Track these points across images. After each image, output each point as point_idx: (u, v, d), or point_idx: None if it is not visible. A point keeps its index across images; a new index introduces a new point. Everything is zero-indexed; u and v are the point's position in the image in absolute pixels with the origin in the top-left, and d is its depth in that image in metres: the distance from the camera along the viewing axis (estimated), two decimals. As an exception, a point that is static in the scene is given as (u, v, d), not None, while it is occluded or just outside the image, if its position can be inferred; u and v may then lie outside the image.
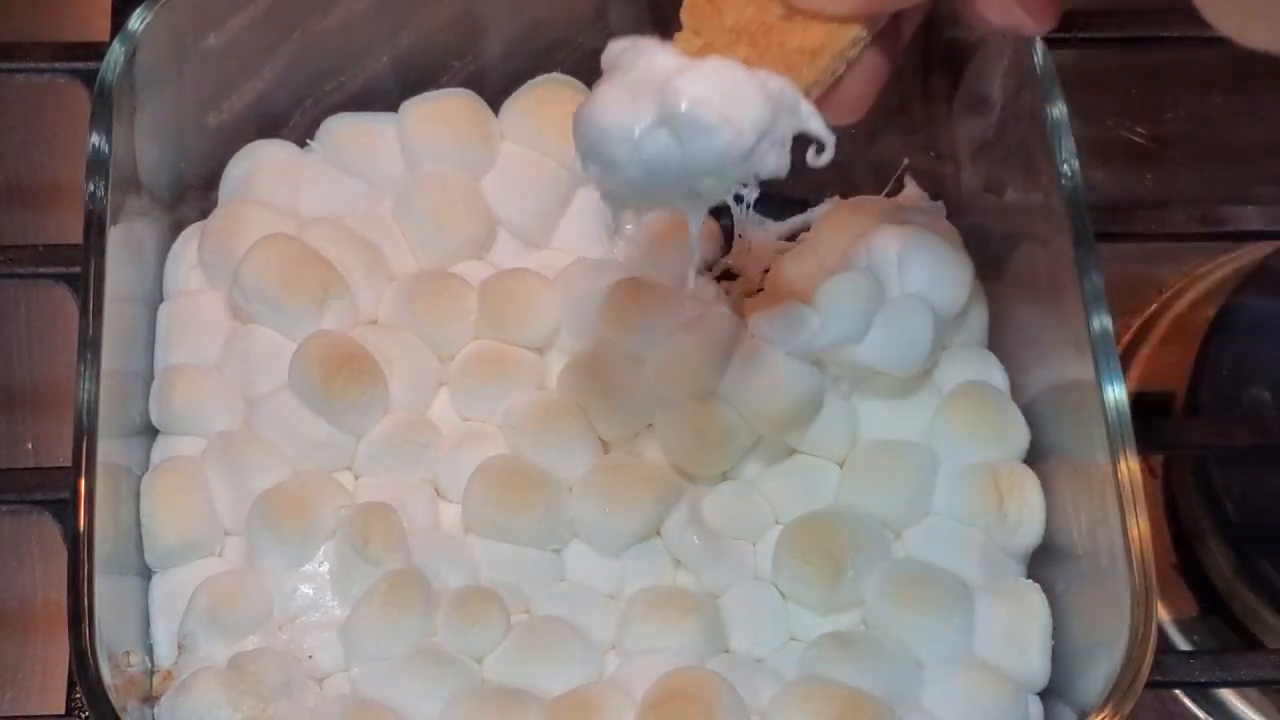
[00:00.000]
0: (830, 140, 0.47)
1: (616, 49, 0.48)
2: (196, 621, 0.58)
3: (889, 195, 0.69)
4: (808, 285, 0.61)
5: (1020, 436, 0.62)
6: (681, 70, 0.46)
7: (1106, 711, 0.53)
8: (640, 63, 0.47)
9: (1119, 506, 0.56)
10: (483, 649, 0.58)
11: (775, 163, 0.47)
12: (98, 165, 0.60)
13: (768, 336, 0.60)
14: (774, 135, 0.47)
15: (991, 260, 0.66)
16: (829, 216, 0.67)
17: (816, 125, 0.48)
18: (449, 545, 0.60)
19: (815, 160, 0.48)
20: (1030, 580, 0.61)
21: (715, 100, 0.46)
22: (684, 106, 0.45)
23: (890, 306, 0.60)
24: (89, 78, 0.66)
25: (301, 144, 0.68)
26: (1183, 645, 0.69)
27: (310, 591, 0.59)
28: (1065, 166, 0.60)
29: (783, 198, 0.70)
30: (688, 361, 0.60)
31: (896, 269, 0.61)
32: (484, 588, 0.59)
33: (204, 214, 0.67)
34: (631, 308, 0.61)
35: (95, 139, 0.60)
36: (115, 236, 0.60)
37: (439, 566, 0.59)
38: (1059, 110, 0.61)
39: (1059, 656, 0.59)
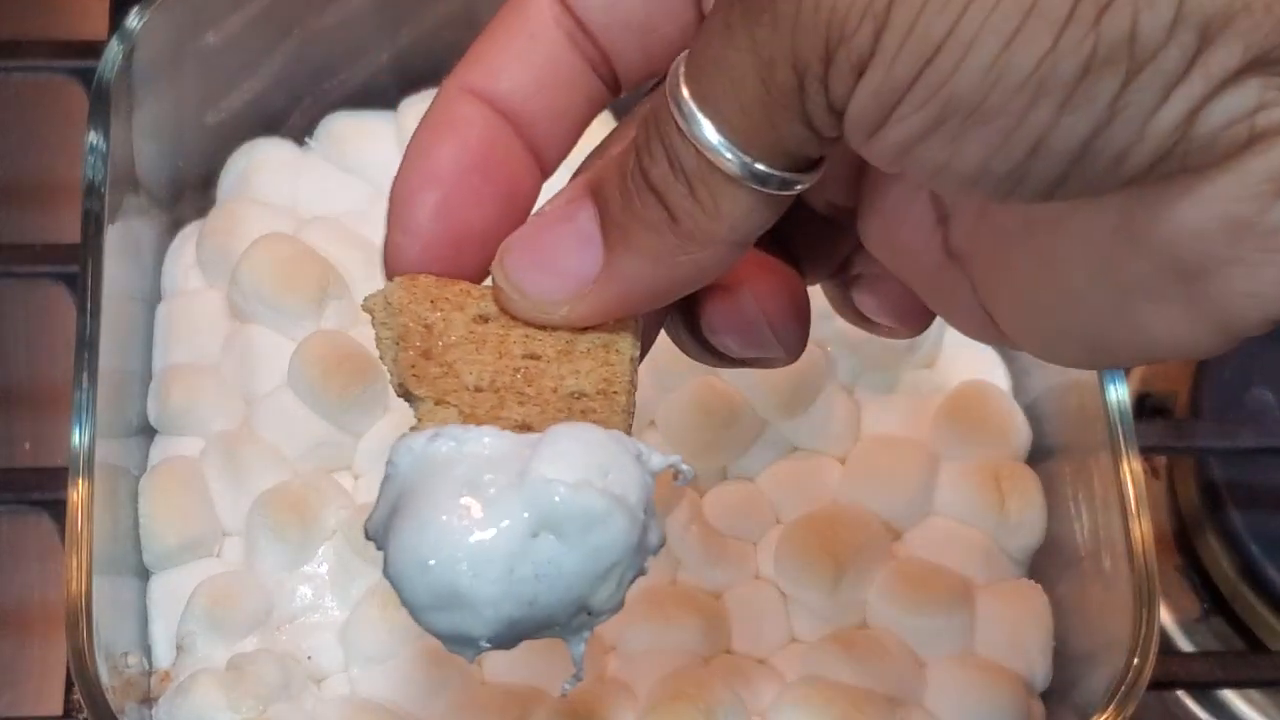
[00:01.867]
0: (687, 469, 0.38)
1: (405, 453, 0.35)
2: (195, 622, 0.57)
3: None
4: None
5: (1022, 436, 0.62)
6: (526, 450, 0.35)
7: (1109, 713, 0.53)
8: (463, 454, 0.35)
9: (1121, 507, 0.56)
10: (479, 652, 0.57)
11: (657, 535, 0.36)
12: (95, 164, 0.60)
13: None
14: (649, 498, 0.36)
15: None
16: None
17: (662, 461, 0.37)
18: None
19: (679, 482, 0.38)
20: (1032, 581, 0.61)
21: (594, 477, 0.34)
22: (560, 496, 0.34)
23: None
24: (87, 76, 0.66)
25: (300, 142, 0.68)
26: (1185, 646, 0.69)
27: (309, 592, 0.59)
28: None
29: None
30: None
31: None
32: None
33: (202, 213, 0.66)
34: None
35: (93, 137, 0.60)
36: (113, 235, 0.60)
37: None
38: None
39: (1060, 657, 0.59)
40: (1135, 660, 0.53)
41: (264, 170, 0.67)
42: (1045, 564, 0.61)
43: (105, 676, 0.53)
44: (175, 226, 0.67)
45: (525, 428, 0.36)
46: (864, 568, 0.59)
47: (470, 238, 0.38)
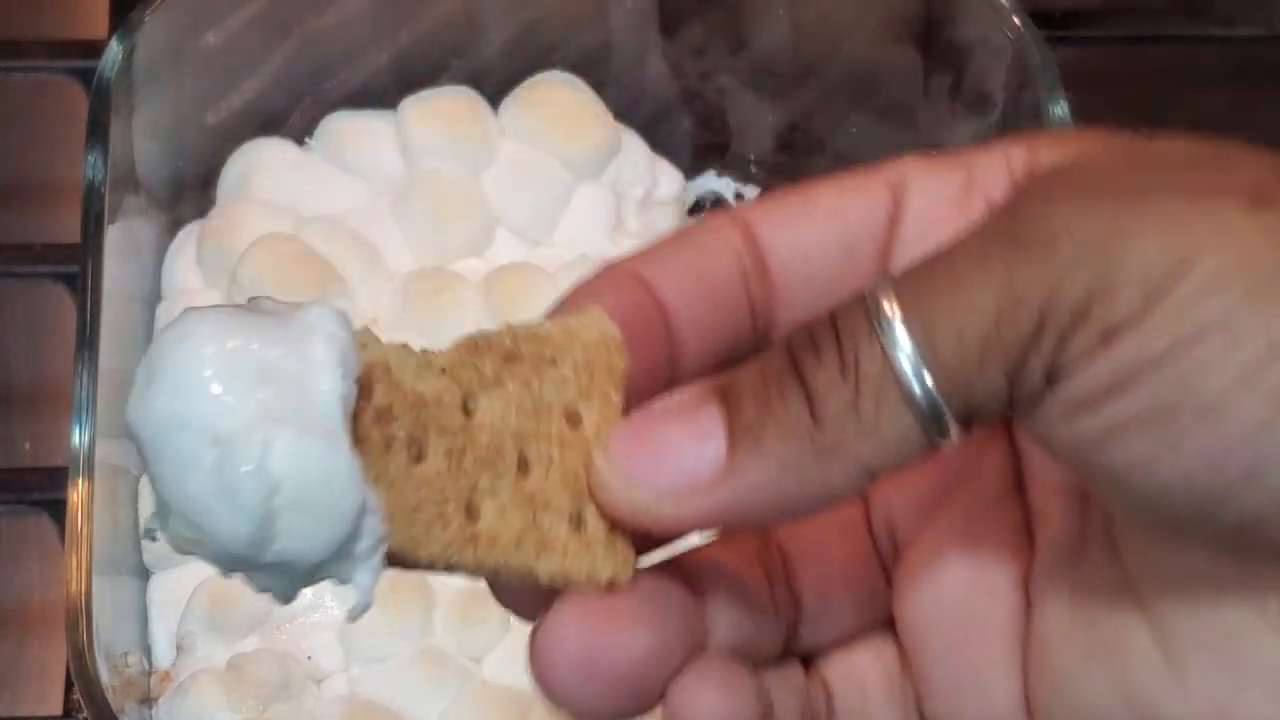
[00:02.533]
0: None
1: None
2: (195, 622, 0.57)
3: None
4: None
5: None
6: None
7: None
8: None
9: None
10: (482, 650, 0.58)
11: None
12: (95, 164, 0.60)
13: None
14: None
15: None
16: None
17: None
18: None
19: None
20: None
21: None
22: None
23: None
24: (87, 76, 0.66)
25: (300, 142, 0.68)
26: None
27: (309, 592, 0.58)
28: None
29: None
30: None
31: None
32: (483, 589, 0.59)
33: (202, 213, 0.66)
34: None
35: (93, 138, 0.60)
36: (113, 235, 0.60)
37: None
38: (1060, 109, 0.61)
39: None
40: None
41: (264, 170, 0.67)
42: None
43: (105, 676, 0.53)
44: (175, 226, 0.66)
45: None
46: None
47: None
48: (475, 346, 0.32)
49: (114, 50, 0.61)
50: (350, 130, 0.68)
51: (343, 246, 0.64)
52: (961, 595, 0.34)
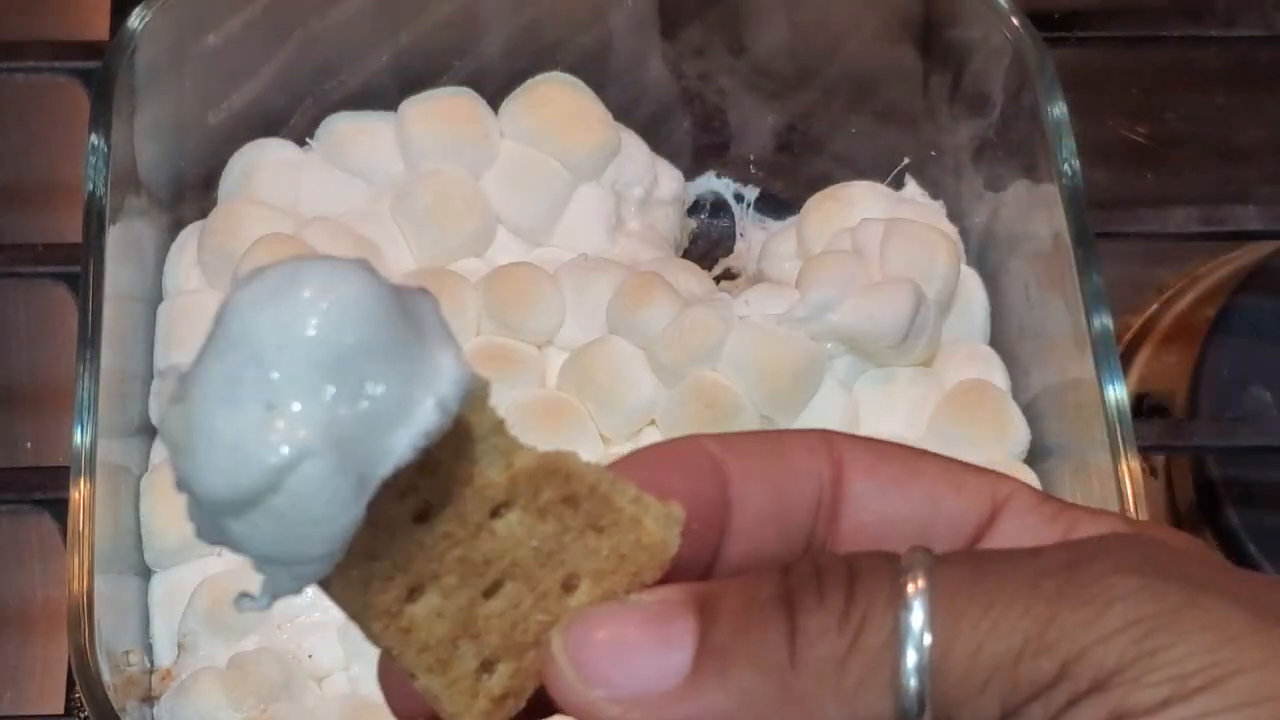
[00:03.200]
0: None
1: None
2: (196, 621, 0.57)
3: (889, 195, 0.69)
4: (792, 267, 0.62)
5: (1020, 436, 0.62)
6: None
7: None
8: None
9: (1119, 506, 0.56)
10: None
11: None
12: (97, 164, 0.60)
13: (745, 312, 0.60)
14: None
15: (992, 260, 0.66)
16: (818, 202, 0.67)
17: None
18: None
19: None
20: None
21: None
22: None
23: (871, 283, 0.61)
24: (88, 77, 0.66)
25: (301, 143, 0.68)
26: (1183, 645, 0.69)
27: (309, 591, 0.59)
28: (1065, 166, 0.60)
29: (784, 198, 0.70)
30: (694, 330, 0.60)
31: (879, 252, 0.62)
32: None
33: (203, 213, 0.67)
34: (637, 303, 0.61)
35: (94, 138, 0.60)
36: (115, 235, 0.60)
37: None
38: (1059, 110, 0.61)
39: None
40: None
41: (265, 171, 0.67)
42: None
43: (107, 675, 0.53)
44: (176, 226, 0.67)
45: None
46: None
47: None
48: (555, 471, 0.31)
49: (115, 51, 0.61)
50: (351, 131, 0.68)
51: (343, 246, 0.64)
52: None
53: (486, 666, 0.30)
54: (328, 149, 0.68)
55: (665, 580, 0.31)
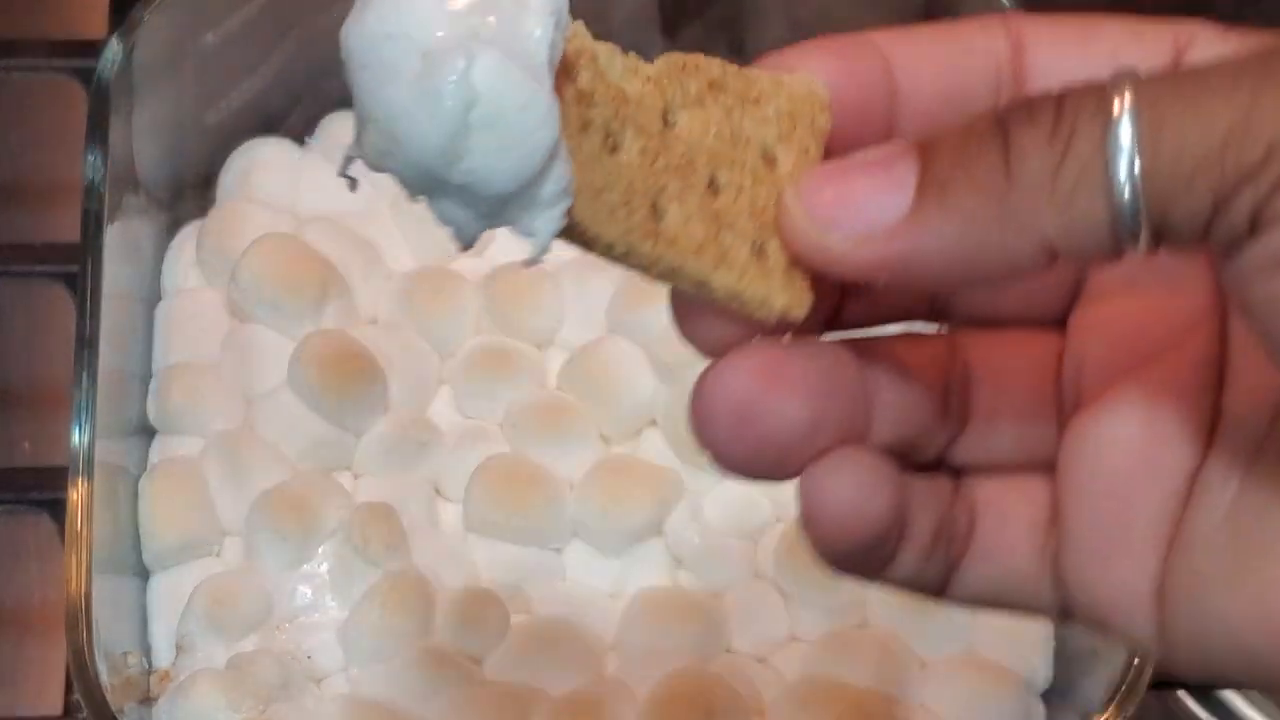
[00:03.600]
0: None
1: None
2: (195, 622, 0.57)
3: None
4: None
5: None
6: None
7: (1109, 713, 0.53)
8: None
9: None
10: (482, 650, 0.58)
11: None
12: (95, 163, 0.60)
13: None
14: None
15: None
16: None
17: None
18: (449, 545, 0.60)
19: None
20: (1032, 580, 0.61)
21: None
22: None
23: None
24: (86, 76, 0.66)
25: (300, 142, 0.68)
26: (1185, 646, 0.69)
27: (310, 592, 0.59)
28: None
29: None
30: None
31: None
32: (483, 589, 0.59)
33: (202, 212, 0.66)
34: (637, 303, 0.61)
35: (92, 137, 0.60)
36: (113, 235, 0.60)
37: (439, 566, 0.59)
38: (1061, 109, 0.61)
39: (1061, 657, 0.59)
40: (1135, 660, 0.53)
41: (264, 170, 0.67)
42: (1045, 563, 0.61)
43: (105, 676, 0.53)
44: (175, 226, 0.66)
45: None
46: (864, 567, 0.59)
47: None
48: (683, 66, 0.32)
49: (114, 50, 0.61)
50: (350, 130, 0.67)
51: (343, 246, 0.64)
52: (1128, 464, 0.33)
53: (757, 250, 0.32)
54: (327, 148, 0.68)
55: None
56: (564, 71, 0.30)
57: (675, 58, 0.32)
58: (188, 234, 0.66)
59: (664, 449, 0.61)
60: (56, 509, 0.61)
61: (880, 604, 0.59)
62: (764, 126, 0.32)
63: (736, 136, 0.32)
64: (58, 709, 0.64)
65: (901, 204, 0.31)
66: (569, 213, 0.30)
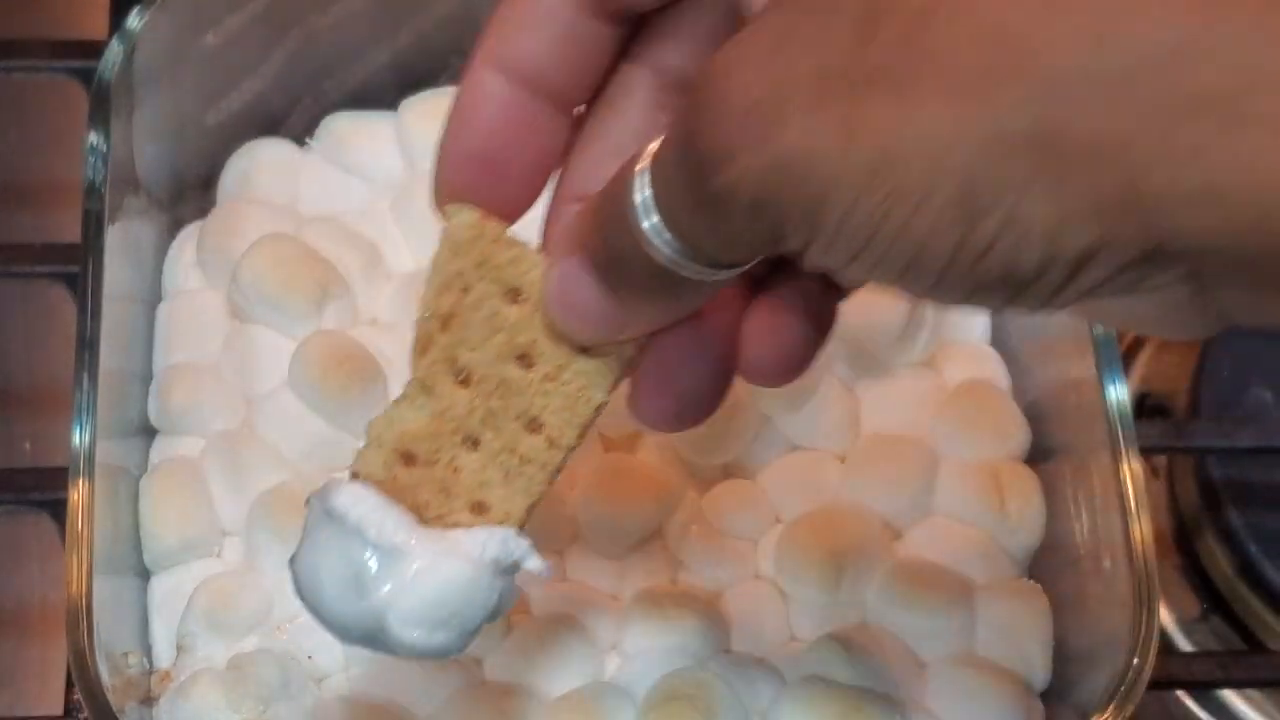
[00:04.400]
0: (545, 568, 0.45)
1: (316, 505, 0.44)
2: (195, 622, 0.57)
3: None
4: None
5: (1021, 436, 0.62)
6: (391, 585, 0.42)
7: (1108, 712, 0.53)
8: (358, 531, 0.43)
9: (1120, 507, 0.56)
10: (482, 650, 0.58)
11: (509, 601, 0.44)
12: (96, 164, 0.60)
13: None
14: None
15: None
16: None
17: (535, 564, 0.44)
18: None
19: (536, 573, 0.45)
20: (1031, 580, 0.61)
21: (440, 622, 0.43)
22: (409, 644, 0.43)
23: None
24: (87, 76, 0.66)
25: (300, 143, 0.68)
26: (1184, 646, 0.69)
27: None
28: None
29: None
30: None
31: None
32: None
33: (202, 213, 0.66)
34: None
35: (93, 138, 0.60)
36: (113, 235, 0.60)
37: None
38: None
39: (1060, 657, 0.59)
40: (1135, 660, 0.53)
41: (264, 170, 0.67)
42: (1045, 563, 0.61)
43: (105, 676, 0.53)
44: (176, 226, 0.67)
45: (425, 508, 0.44)
46: (864, 567, 0.59)
47: (506, 201, 0.43)
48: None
49: (114, 50, 0.61)
50: (350, 130, 0.68)
51: (343, 247, 0.64)
52: None
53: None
54: (327, 149, 0.68)
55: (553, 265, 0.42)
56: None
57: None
58: (188, 234, 0.66)
59: (664, 450, 0.61)
60: (57, 509, 0.61)
61: (881, 605, 0.59)
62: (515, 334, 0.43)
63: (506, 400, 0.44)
64: (59, 709, 0.64)
65: (607, 307, 0.41)
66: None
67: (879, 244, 0.34)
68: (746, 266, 0.38)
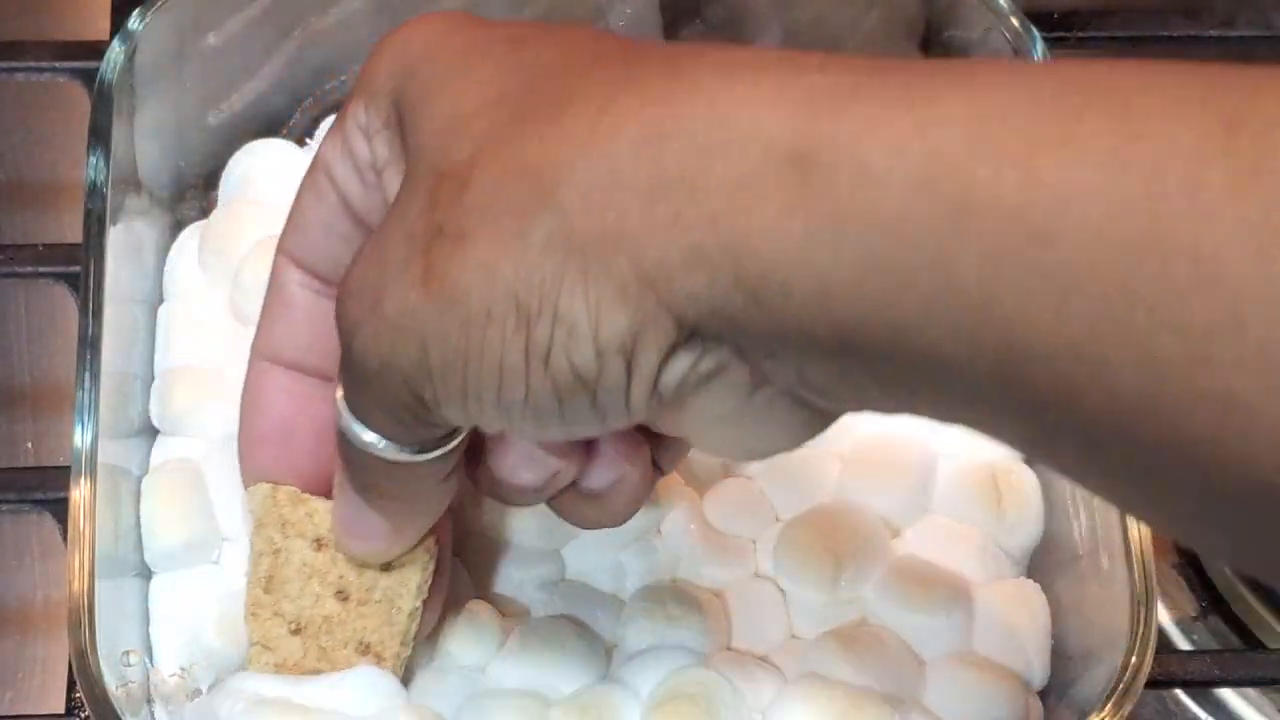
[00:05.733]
0: None
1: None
2: (201, 643, 0.57)
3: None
4: None
5: (1020, 436, 0.62)
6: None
7: (1107, 711, 0.53)
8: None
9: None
10: (483, 660, 0.57)
11: None
12: (97, 165, 0.60)
13: None
14: None
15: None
16: None
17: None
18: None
19: None
20: (1030, 579, 0.61)
21: None
22: None
23: None
24: (88, 77, 0.66)
25: (301, 143, 0.68)
26: (1183, 645, 0.69)
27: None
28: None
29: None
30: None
31: None
32: (475, 598, 0.58)
33: (204, 213, 0.67)
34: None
35: (94, 138, 0.60)
36: (115, 236, 0.60)
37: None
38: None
39: (1059, 656, 0.59)
40: (1133, 659, 0.53)
41: (265, 171, 0.67)
42: (1043, 563, 0.61)
43: (107, 675, 0.53)
44: (177, 227, 0.67)
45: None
46: (863, 565, 0.59)
47: (300, 470, 0.52)
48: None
49: (115, 51, 0.61)
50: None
51: (344, 247, 0.64)
52: None
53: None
54: (328, 149, 0.68)
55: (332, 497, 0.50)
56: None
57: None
58: (189, 235, 0.66)
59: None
60: (59, 509, 0.61)
61: (880, 603, 0.59)
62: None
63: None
64: (60, 708, 0.64)
65: (382, 525, 0.49)
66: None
67: (473, 375, 0.39)
68: (450, 446, 0.44)
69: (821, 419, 0.42)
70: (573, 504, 0.49)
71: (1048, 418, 0.34)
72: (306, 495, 0.51)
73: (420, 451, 0.44)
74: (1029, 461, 0.62)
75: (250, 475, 0.52)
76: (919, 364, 0.36)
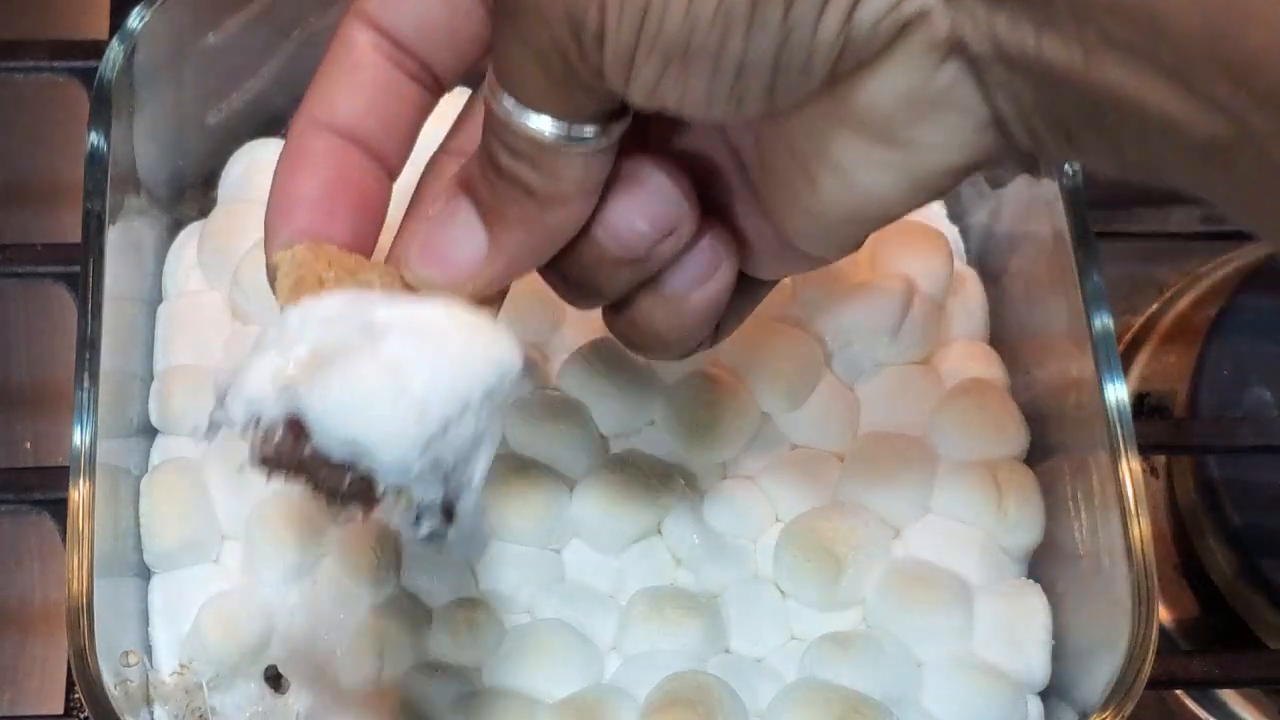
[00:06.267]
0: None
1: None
2: (198, 644, 0.57)
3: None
4: None
5: (1020, 435, 0.62)
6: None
7: (1108, 712, 0.53)
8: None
9: (1120, 506, 0.56)
10: (479, 659, 0.57)
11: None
12: (96, 164, 0.60)
13: None
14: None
15: (992, 259, 0.66)
16: None
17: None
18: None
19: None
20: (1030, 580, 0.61)
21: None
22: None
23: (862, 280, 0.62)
24: (88, 76, 0.66)
25: (301, 143, 0.68)
26: (1183, 645, 0.69)
27: (307, 609, 0.58)
28: (1066, 165, 0.60)
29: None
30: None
31: (871, 249, 0.62)
32: (472, 598, 0.58)
33: (203, 213, 0.67)
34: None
35: (94, 138, 0.60)
36: (114, 236, 0.60)
37: (434, 572, 0.59)
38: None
39: (1059, 657, 0.59)
40: (1134, 659, 0.53)
41: (265, 171, 0.66)
42: (1044, 563, 0.61)
43: (106, 676, 0.53)
44: (176, 227, 0.67)
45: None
46: (863, 566, 0.59)
47: (339, 244, 0.46)
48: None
49: (115, 50, 0.61)
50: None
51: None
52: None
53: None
54: (327, 149, 0.68)
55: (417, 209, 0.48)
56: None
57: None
58: (189, 235, 0.66)
59: (663, 449, 0.62)
60: (58, 509, 0.61)
61: (880, 604, 0.59)
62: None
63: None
64: (59, 708, 0.64)
65: (481, 241, 0.44)
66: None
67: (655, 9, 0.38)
68: (604, 129, 0.42)
69: (979, 138, 0.40)
70: (649, 309, 0.47)
71: (1258, 83, 0.34)
72: (351, 253, 0.46)
73: (582, 134, 0.41)
74: (1029, 461, 0.62)
75: (282, 239, 0.46)
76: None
